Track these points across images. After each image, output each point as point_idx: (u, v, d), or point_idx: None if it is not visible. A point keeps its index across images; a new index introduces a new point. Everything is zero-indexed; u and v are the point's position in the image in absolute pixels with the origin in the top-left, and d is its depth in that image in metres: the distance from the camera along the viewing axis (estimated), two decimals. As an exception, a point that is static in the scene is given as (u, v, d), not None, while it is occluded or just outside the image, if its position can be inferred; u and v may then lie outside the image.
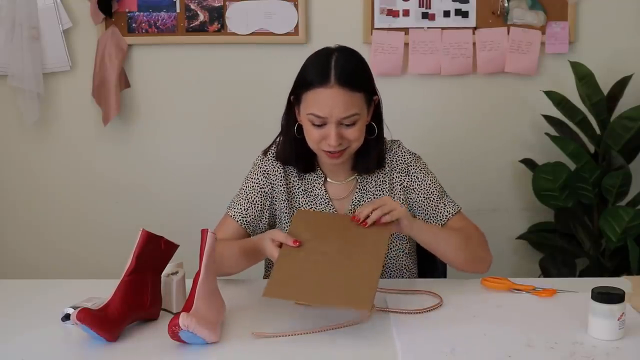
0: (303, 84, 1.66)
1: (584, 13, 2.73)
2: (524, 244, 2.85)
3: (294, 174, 1.81)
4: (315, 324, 1.44)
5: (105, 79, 2.72)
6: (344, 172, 1.80)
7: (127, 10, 2.73)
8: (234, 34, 2.74)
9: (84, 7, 2.73)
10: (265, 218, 1.80)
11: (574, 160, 2.54)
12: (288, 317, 1.49)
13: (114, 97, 2.71)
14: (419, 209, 1.79)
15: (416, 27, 2.72)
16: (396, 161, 1.81)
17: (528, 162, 2.73)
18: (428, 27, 2.72)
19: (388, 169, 1.81)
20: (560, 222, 2.66)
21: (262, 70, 2.78)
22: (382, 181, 1.80)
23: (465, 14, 2.72)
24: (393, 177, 1.80)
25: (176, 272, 1.58)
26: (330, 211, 1.78)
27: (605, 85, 2.58)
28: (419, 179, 1.79)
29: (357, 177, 1.81)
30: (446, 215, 1.77)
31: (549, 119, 2.66)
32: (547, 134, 2.63)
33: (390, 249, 1.81)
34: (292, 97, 1.72)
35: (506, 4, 2.71)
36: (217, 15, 2.73)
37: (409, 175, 1.80)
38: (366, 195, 1.80)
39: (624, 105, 2.57)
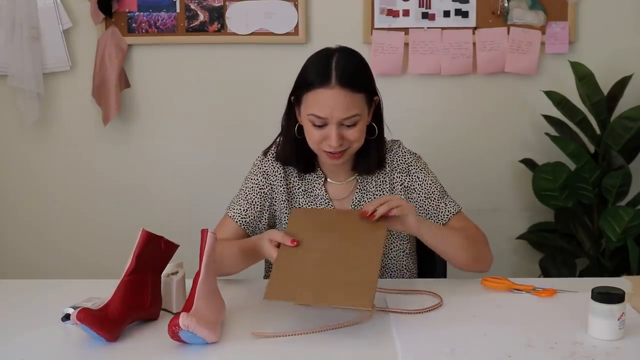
0: (304, 84, 1.66)
1: (584, 13, 2.73)
2: (524, 244, 2.85)
3: (294, 174, 1.81)
4: (315, 324, 1.44)
5: (105, 79, 2.72)
6: (344, 172, 1.80)
7: (127, 10, 2.73)
8: (234, 34, 2.74)
9: (84, 7, 2.73)
10: (265, 219, 1.80)
11: (574, 160, 2.54)
12: (288, 317, 1.49)
13: (114, 97, 2.71)
14: (420, 208, 1.79)
15: (416, 27, 2.72)
16: (397, 161, 1.81)
17: (528, 162, 2.73)
18: (428, 27, 2.72)
19: (389, 169, 1.81)
20: (560, 222, 2.66)
21: (262, 70, 2.78)
22: (383, 181, 1.80)
23: (465, 14, 2.72)
24: (394, 177, 1.80)
25: (176, 272, 1.58)
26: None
27: (605, 85, 2.58)
28: (420, 179, 1.79)
29: (358, 178, 1.81)
30: (447, 215, 1.77)
31: (549, 119, 2.66)
32: (547, 134, 2.63)
33: (391, 249, 1.81)
34: (292, 98, 1.72)
35: (506, 4, 2.71)
36: (217, 15, 2.73)
37: (409, 175, 1.80)
38: (366, 195, 1.80)
39: (624, 105, 2.57)
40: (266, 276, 1.88)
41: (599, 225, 2.50)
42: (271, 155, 1.82)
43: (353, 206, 1.79)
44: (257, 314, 1.52)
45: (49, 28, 2.72)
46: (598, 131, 2.60)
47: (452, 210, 1.78)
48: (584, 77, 2.53)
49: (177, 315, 1.34)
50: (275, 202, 1.80)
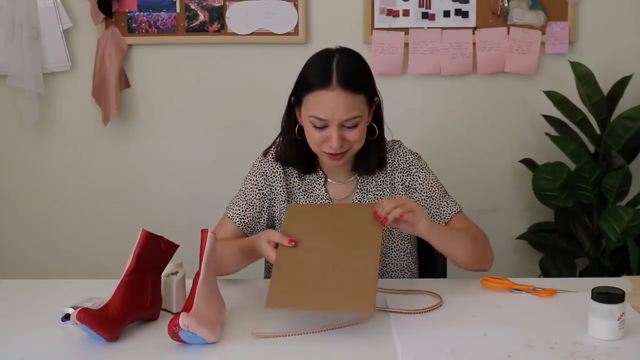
0: (304, 86, 1.65)
1: (584, 13, 2.73)
2: (524, 244, 2.85)
3: (294, 175, 1.81)
4: (315, 324, 1.44)
5: (105, 79, 2.72)
6: (344, 172, 1.80)
7: (127, 10, 2.73)
8: (234, 34, 2.74)
9: (84, 7, 2.73)
10: (264, 220, 1.80)
11: (574, 160, 2.54)
12: (288, 317, 1.49)
13: (114, 97, 2.71)
14: (420, 208, 1.79)
15: (416, 27, 2.72)
16: (397, 161, 1.81)
17: (528, 162, 2.73)
18: (428, 27, 2.72)
19: (389, 168, 1.80)
20: (560, 222, 2.66)
21: (262, 70, 2.78)
22: (384, 181, 1.80)
23: (465, 14, 2.72)
24: (394, 177, 1.80)
25: (176, 272, 1.58)
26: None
27: (605, 85, 2.58)
28: (421, 179, 1.79)
29: (358, 178, 1.81)
30: (448, 214, 1.77)
31: (549, 119, 2.66)
32: (547, 134, 2.63)
33: (392, 249, 1.81)
34: (292, 99, 1.72)
35: (506, 4, 2.71)
36: (217, 15, 2.73)
37: (410, 175, 1.80)
38: (367, 195, 1.80)
39: (624, 105, 2.57)
40: (266, 276, 1.88)
41: (599, 225, 2.50)
42: (271, 156, 1.81)
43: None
44: (257, 314, 1.52)
45: (49, 28, 2.72)
46: (598, 131, 2.60)
47: (454, 210, 1.78)
48: (584, 77, 2.53)
49: (177, 315, 1.34)
50: (275, 202, 1.80)
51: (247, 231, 1.78)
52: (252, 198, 1.79)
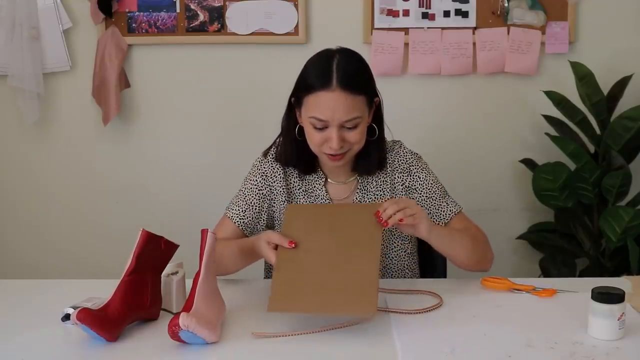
0: (304, 86, 1.65)
1: (584, 13, 2.73)
2: (524, 244, 2.85)
3: (295, 175, 1.81)
4: (315, 324, 1.44)
5: (105, 79, 2.72)
6: (344, 173, 1.80)
7: (127, 10, 2.73)
8: (234, 34, 2.74)
9: (84, 7, 2.73)
10: (263, 220, 1.80)
11: (574, 160, 2.54)
12: (288, 317, 1.48)
13: (114, 97, 2.71)
14: (420, 208, 1.79)
15: (416, 27, 2.72)
16: (398, 161, 1.81)
17: (528, 162, 2.73)
18: (428, 27, 2.72)
19: (389, 169, 1.80)
20: (560, 222, 2.66)
21: (262, 70, 2.78)
22: (384, 181, 1.80)
23: (465, 14, 2.72)
24: (395, 177, 1.80)
25: (176, 272, 1.58)
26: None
27: (605, 85, 2.58)
28: (421, 179, 1.79)
29: (358, 178, 1.81)
30: (449, 215, 1.77)
31: (549, 119, 2.66)
32: (547, 134, 2.63)
33: (392, 249, 1.81)
34: (292, 99, 1.72)
35: (506, 4, 2.71)
36: (217, 15, 2.73)
37: (410, 175, 1.80)
38: (367, 195, 1.79)
39: (624, 105, 2.57)
40: (266, 276, 1.88)
41: (599, 225, 2.50)
42: (271, 156, 1.81)
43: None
44: (257, 314, 1.51)
45: (49, 28, 2.72)
46: (598, 131, 2.60)
47: (454, 210, 1.78)
48: (584, 77, 2.53)
49: (177, 315, 1.34)
50: (275, 203, 1.80)
51: (247, 231, 1.78)
52: (252, 198, 1.79)
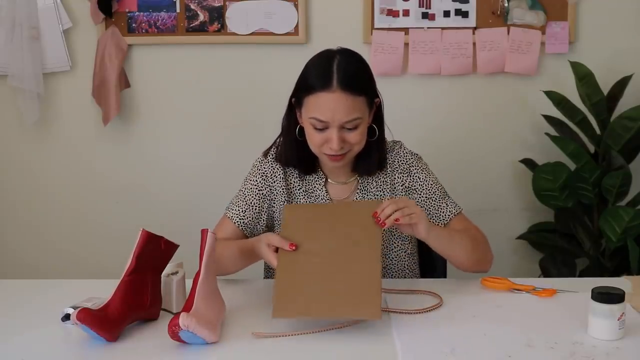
0: (305, 87, 1.65)
1: (584, 13, 2.73)
2: (524, 244, 2.85)
3: (295, 175, 1.81)
4: (315, 324, 1.44)
5: (105, 79, 2.72)
6: (344, 173, 1.80)
7: (127, 10, 2.73)
8: (234, 34, 2.74)
9: (84, 7, 2.73)
10: (263, 220, 1.80)
11: (574, 160, 2.54)
12: (288, 318, 1.48)
13: (114, 97, 2.71)
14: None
15: (416, 27, 2.72)
16: (398, 162, 1.81)
17: (528, 162, 2.73)
18: (428, 27, 2.72)
19: (389, 169, 1.80)
20: (560, 222, 2.66)
21: (262, 70, 2.78)
22: (384, 181, 1.80)
23: (465, 14, 2.72)
24: (395, 178, 1.80)
25: (176, 272, 1.58)
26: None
27: (605, 85, 2.58)
28: (421, 179, 1.79)
29: (358, 178, 1.81)
30: (448, 216, 1.77)
31: (549, 119, 2.66)
32: (547, 134, 2.63)
33: (392, 249, 1.81)
34: (293, 100, 1.72)
35: (506, 4, 2.71)
36: (217, 15, 2.73)
37: (410, 176, 1.80)
38: (367, 195, 1.79)
39: (624, 105, 2.57)
40: (266, 276, 1.88)
41: (599, 225, 2.50)
42: (271, 156, 1.81)
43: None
44: (257, 314, 1.52)
45: (49, 28, 2.72)
46: (598, 131, 2.60)
47: (453, 211, 1.78)
48: (584, 77, 2.53)
49: (177, 315, 1.34)
50: (275, 203, 1.80)
51: (247, 231, 1.78)
52: (252, 198, 1.79)
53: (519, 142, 2.82)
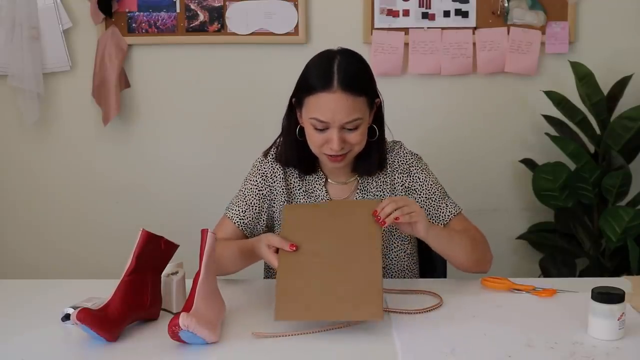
0: (305, 87, 1.65)
1: (584, 13, 2.73)
2: (524, 244, 2.85)
3: (295, 175, 1.81)
4: (315, 323, 1.44)
5: (105, 79, 2.72)
6: (344, 173, 1.80)
7: (127, 10, 2.73)
8: (234, 34, 2.74)
9: (84, 7, 2.73)
10: (263, 220, 1.80)
11: (574, 160, 2.54)
12: (288, 317, 1.49)
13: (114, 97, 2.71)
14: (420, 209, 1.79)
15: (416, 27, 2.72)
16: (398, 162, 1.81)
17: (528, 162, 2.73)
18: (428, 27, 2.72)
19: (389, 169, 1.80)
20: (560, 222, 2.66)
21: (262, 70, 2.78)
22: (384, 182, 1.80)
23: (465, 14, 2.72)
24: (394, 178, 1.80)
25: (176, 272, 1.58)
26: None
27: (605, 85, 2.58)
28: (421, 180, 1.79)
29: (358, 178, 1.81)
30: (448, 216, 1.77)
31: (549, 119, 2.66)
32: (547, 134, 2.63)
33: (392, 249, 1.81)
34: (293, 100, 1.72)
35: (506, 4, 2.71)
36: (217, 15, 2.73)
37: (410, 176, 1.80)
38: (367, 196, 1.79)
39: (624, 105, 2.57)
40: (266, 276, 1.88)
41: (599, 225, 2.50)
42: (271, 156, 1.81)
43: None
44: (257, 314, 1.52)
45: (49, 28, 2.72)
46: (598, 131, 2.60)
47: (453, 212, 1.78)
48: (584, 77, 2.53)
49: (177, 315, 1.34)
50: (275, 203, 1.80)
51: (247, 232, 1.78)
52: (252, 199, 1.79)
53: (519, 142, 2.83)
